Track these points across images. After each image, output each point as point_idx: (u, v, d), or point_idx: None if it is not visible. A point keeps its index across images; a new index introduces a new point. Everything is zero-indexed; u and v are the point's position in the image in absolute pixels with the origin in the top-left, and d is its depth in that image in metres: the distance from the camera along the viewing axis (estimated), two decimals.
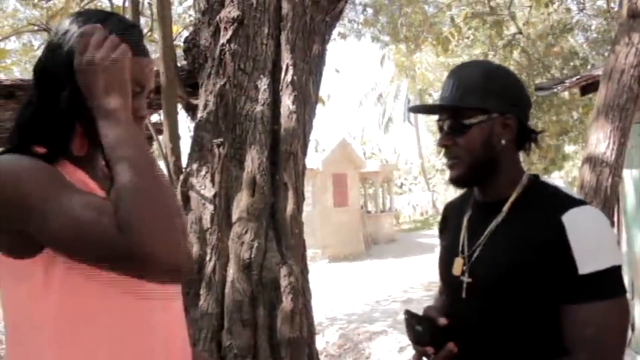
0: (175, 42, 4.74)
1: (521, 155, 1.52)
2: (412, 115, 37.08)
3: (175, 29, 5.46)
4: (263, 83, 3.63)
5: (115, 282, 1.05)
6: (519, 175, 1.44)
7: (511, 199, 1.42)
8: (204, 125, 3.64)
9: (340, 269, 14.80)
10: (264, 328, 3.32)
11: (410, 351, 1.53)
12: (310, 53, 3.78)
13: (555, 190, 1.41)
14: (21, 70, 11.09)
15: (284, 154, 3.55)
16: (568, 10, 11.49)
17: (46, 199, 0.99)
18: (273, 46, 3.70)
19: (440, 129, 1.47)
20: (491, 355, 1.40)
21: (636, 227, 4.97)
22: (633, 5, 3.59)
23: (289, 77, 3.64)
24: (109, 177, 1.07)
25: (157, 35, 4.05)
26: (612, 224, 4.34)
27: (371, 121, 39.69)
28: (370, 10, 11.76)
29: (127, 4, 4.24)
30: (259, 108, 3.59)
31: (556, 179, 21.23)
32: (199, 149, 3.64)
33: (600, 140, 3.50)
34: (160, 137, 3.95)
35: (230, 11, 3.69)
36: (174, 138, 3.90)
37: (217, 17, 3.75)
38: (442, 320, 1.44)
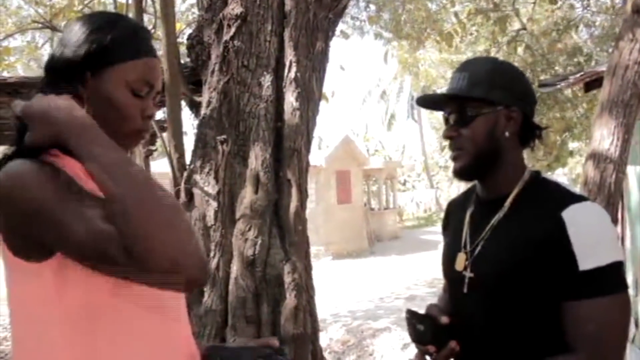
0: (178, 40, 4.75)
1: (526, 152, 1.52)
2: (415, 112, 37.02)
3: (178, 26, 5.47)
4: (266, 80, 3.63)
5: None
6: (521, 172, 1.45)
7: (512, 195, 1.42)
8: (208, 122, 3.65)
9: (344, 266, 14.82)
10: (268, 324, 3.33)
11: (413, 349, 1.53)
12: (314, 50, 3.78)
13: (556, 187, 1.42)
14: (25, 68, 11.11)
15: (288, 150, 3.56)
16: (572, 6, 11.45)
17: (60, 210, 0.99)
18: (276, 43, 3.70)
19: (446, 121, 1.48)
20: (493, 352, 1.41)
21: None
22: (637, 1, 3.58)
23: (292, 74, 3.64)
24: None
25: (160, 32, 4.05)
26: (616, 221, 4.33)
27: (374, 118, 39.63)
28: (373, 7, 11.75)
29: (130, 1, 4.24)
30: (262, 105, 3.60)
31: (560, 175, 21.21)
32: (203, 145, 3.65)
33: (604, 136, 3.49)
34: (164, 134, 3.96)
35: (233, 8, 3.69)
36: (178, 135, 3.91)
37: (221, 14, 3.75)
38: (444, 319, 1.44)
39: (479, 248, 1.44)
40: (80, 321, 1.07)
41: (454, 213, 1.66)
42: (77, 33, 1.15)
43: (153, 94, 1.20)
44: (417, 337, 1.47)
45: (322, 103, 4.07)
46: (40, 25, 6.96)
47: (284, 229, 3.49)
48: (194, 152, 3.72)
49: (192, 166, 3.69)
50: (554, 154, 12.74)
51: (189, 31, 5.11)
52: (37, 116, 1.05)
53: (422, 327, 1.44)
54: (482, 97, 1.41)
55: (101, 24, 1.15)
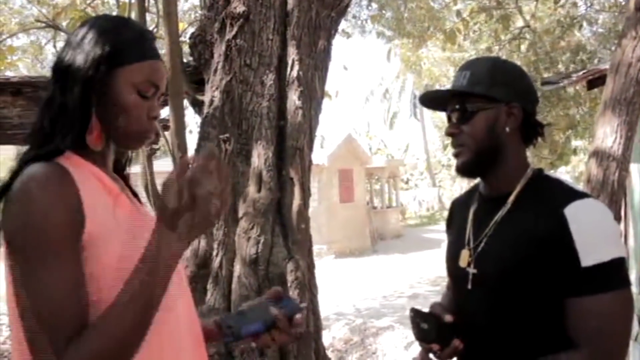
0: (181, 39, 4.75)
1: (531, 150, 1.53)
2: (418, 110, 37.01)
3: (181, 25, 5.48)
4: (269, 78, 3.64)
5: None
6: (524, 169, 1.46)
7: (515, 192, 1.43)
8: (210, 120, 3.65)
9: (347, 265, 14.82)
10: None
11: (417, 348, 1.54)
12: (316, 48, 3.78)
13: (558, 184, 1.43)
14: (28, 68, 11.13)
15: (290, 149, 3.56)
16: (575, 4, 11.43)
17: (42, 260, 1.04)
18: (279, 42, 3.70)
19: (449, 119, 1.50)
20: (497, 348, 1.41)
21: None
22: None
23: (294, 73, 3.64)
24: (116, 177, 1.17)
25: (163, 31, 4.05)
26: (619, 218, 4.33)
27: (377, 117, 39.61)
28: (374, 5, 11.74)
29: (133, 0, 4.25)
30: (264, 103, 3.60)
31: (562, 173, 21.16)
32: (206, 144, 3.65)
33: (607, 134, 3.48)
34: (167, 133, 3.96)
35: (236, 7, 3.69)
36: (181, 134, 3.91)
37: (223, 13, 3.75)
38: (448, 317, 1.45)
39: (482, 245, 1.45)
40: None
41: (457, 211, 1.67)
42: (86, 37, 1.18)
43: (158, 95, 1.23)
44: (421, 336, 1.48)
45: (325, 101, 4.07)
46: (43, 24, 6.97)
47: (287, 228, 3.50)
48: (197, 150, 3.73)
49: None
50: (559, 152, 12.72)
51: (191, 30, 5.12)
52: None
53: (426, 326, 1.45)
54: (482, 93, 1.43)
55: (109, 28, 1.19)
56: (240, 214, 3.48)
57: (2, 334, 7.32)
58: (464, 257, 1.48)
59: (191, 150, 3.90)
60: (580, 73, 5.82)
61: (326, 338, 6.01)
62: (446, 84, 15.10)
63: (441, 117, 21.55)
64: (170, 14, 3.95)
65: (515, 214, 1.41)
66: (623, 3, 9.47)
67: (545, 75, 10.48)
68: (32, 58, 10.37)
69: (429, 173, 35.98)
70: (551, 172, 1.57)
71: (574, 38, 11.98)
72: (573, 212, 1.30)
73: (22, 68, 11.16)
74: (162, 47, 4.19)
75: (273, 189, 3.48)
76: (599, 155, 3.51)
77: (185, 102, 4.42)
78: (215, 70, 3.73)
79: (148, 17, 5.29)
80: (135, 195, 1.32)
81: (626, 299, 1.31)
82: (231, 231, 3.47)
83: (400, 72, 32.94)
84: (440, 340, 1.43)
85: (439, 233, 19.75)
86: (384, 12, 11.75)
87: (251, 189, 3.48)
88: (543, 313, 1.35)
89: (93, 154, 1.18)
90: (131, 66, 1.18)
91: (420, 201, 32.15)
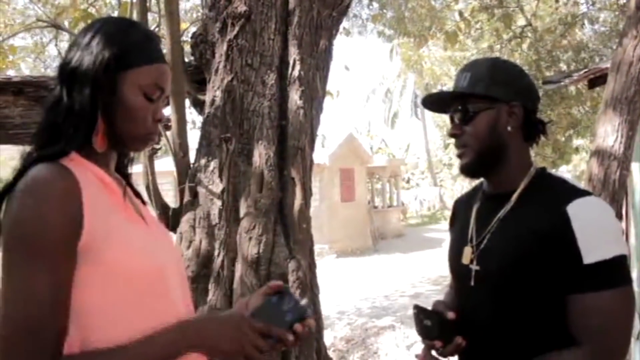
0: (182, 38, 4.76)
1: (534, 149, 1.54)
2: (419, 110, 36.99)
3: (183, 25, 5.48)
4: (270, 78, 3.64)
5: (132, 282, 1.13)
6: (527, 167, 1.48)
7: (519, 190, 1.44)
8: (212, 120, 3.65)
9: (348, 264, 14.82)
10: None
11: (418, 347, 1.55)
12: (317, 48, 3.78)
13: (561, 182, 1.44)
14: (30, 68, 11.14)
15: (292, 149, 3.56)
16: (576, 3, 11.42)
17: (31, 261, 1.05)
18: (280, 41, 3.71)
19: (452, 120, 1.51)
20: (499, 344, 1.42)
21: None
22: None
23: (296, 72, 3.64)
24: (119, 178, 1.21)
25: (164, 31, 4.06)
26: (620, 217, 4.33)
27: (378, 116, 39.58)
28: (375, 5, 11.74)
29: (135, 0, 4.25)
30: (266, 103, 3.60)
31: (564, 172, 21.15)
32: (207, 144, 3.66)
33: (609, 133, 3.48)
34: (168, 133, 3.96)
35: (237, 7, 3.70)
36: (182, 133, 3.92)
37: (225, 13, 3.75)
38: (451, 314, 1.46)
39: (485, 242, 1.46)
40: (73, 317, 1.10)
41: (460, 210, 1.68)
42: (94, 39, 1.19)
43: (163, 98, 1.25)
44: (424, 333, 1.49)
45: (326, 100, 4.07)
46: (44, 24, 6.98)
47: (288, 227, 3.50)
48: (198, 150, 3.73)
49: (196, 165, 3.69)
50: (561, 150, 12.72)
51: (193, 30, 5.12)
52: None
53: (429, 323, 1.46)
54: (483, 93, 1.44)
55: (117, 30, 1.20)
56: (242, 213, 3.48)
57: None
58: (467, 254, 1.49)
59: (193, 150, 3.90)
60: (582, 72, 5.82)
61: (328, 337, 6.01)
62: (447, 83, 15.10)
63: (442, 116, 21.55)
64: (171, 14, 3.95)
65: (518, 211, 1.43)
66: (624, 2, 9.46)
67: (547, 74, 10.47)
68: (35, 57, 10.38)
69: (430, 172, 35.96)
70: (554, 171, 1.58)
71: (576, 37, 11.96)
72: (575, 210, 1.32)
73: (24, 68, 11.18)
74: (164, 47, 4.18)
75: (274, 189, 3.49)
76: (600, 154, 3.51)
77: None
78: (217, 70, 3.73)
79: (150, 16, 5.29)
80: (137, 195, 1.33)
81: (628, 296, 1.32)
82: (233, 231, 3.47)
83: (401, 71, 32.90)
84: (443, 337, 1.45)
85: (440, 232, 19.76)
86: (384, 11, 11.75)
87: (252, 188, 3.48)
88: (545, 310, 1.36)
89: (96, 155, 1.19)
90: (138, 69, 1.19)
91: (421, 200, 32.12)
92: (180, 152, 3.88)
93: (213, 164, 3.59)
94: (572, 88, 10.07)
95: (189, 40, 4.30)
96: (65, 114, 1.16)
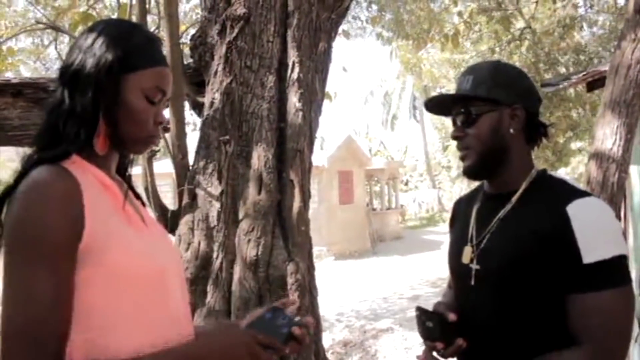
0: (181, 40, 4.76)
1: (534, 152, 1.55)
2: (418, 112, 37.01)
3: (182, 27, 5.48)
4: (269, 80, 3.64)
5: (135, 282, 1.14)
6: (529, 169, 1.49)
7: (520, 191, 1.46)
8: (211, 122, 3.65)
9: (346, 267, 14.81)
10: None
11: (417, 349, 1.56)
12: (316, 50, 3.79)
13: (561, 183, 1.45)
14: (31, 70, 11.14)
15: (291, 151, 3.56)
16: (575, 5, 11.44)
17: (31, 263, 1.05)
18: (279, 44, 3.71)
19: (454, 123, 1.52)
20: (499, 344, 1.42)
21: None
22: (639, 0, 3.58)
23: (295, 75, 3.65)
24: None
25: (163, 33, 4.06)
26: (619, 220, 4.33)
27: (377, 118, 39.60)
28: (375, 7, 11.75)
29: (134, 1, 4.25)
30: (265, 106, 3.60)
31: (563, 175, 21.15)
32: (206, 146, 3.66)
33: (607, 136, 3.49)
34: (167, 135, 3.96)
35: (236, 9, 3.70)
36: (181, 135, 3.91)
37: (224, 15, 3.75)
38: (452, 316, 1.47)
39: (485, 241, 1.48)
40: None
41: (460, 210, 1.70)
42: (97, 41, 1.19)
43: (164, 101, 1.25)
44: (426, 334, 1.50)
45: (325, 103, 4.07)
46: (43, 26, 6.97)
47: (287, 230, 3.50)
48: (197, 152, 3.73)
49: (195, 167, 3.69)
50: (561, 152, 12.74)
51: (192, 32, 5.12)
52: None
53: (430, 324, 1.47)
54: (485, 96, 1.45)
55: (119, 33, 1.21)
56: (241, 215, 3.48)
57: None
58: (467, 254, 1.50)
59: (191, 153, 3.90)
60: (580, 75, 5.83)
61: (326, 340, 6.01)
62: (446, 86, 15.12)
63: (441, 118, 21.57)
64: (171, 16, 3.95)
65: (519, 211, 1.44)
66: (622, 5, 9.48)
67: (546, 76, 10.49)
68: (35, 60, 10.39)
69: (428, 175, 35.97)
70: (554, 173, 1.59)
71: (574, 39, 11.99)
72: (575, 210, 1.33)
73: (24, 71, 11.18)
74: (163, 49, 4.18)
75: (273, 191, 3.49)
76: (598, 157, 3.52)
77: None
78: (216, 72, 3.73)
79: (149, 18, 5.29)
80: (137, 196, 1.33)
81: (628, 296, 1.33)
82: (231, 233, 3.47)
83: (400, 73, 32.93)
84: (444, 338, 1.46)
85: (439, 235, 19.76)
86: (383, 13, 11.76)
87: (251, 191, 3.48)
88: (545, 310, 1.37)
89: (97, 158, 1.19)
90: (141, 72, 1.19)
91: (419, 203, 32.13)
92: (179, 154, 3.87)
93: (212, 166, 3.59)
94: (571, 90, 10.08)
95: (188, 42, 4.29)
96: (66, 116, 1.16)
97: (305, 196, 3.60)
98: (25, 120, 3.47)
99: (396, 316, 8.20)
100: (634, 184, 4.96)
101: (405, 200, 30.33)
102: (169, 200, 6.00)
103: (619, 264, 1.32)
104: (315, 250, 4.52)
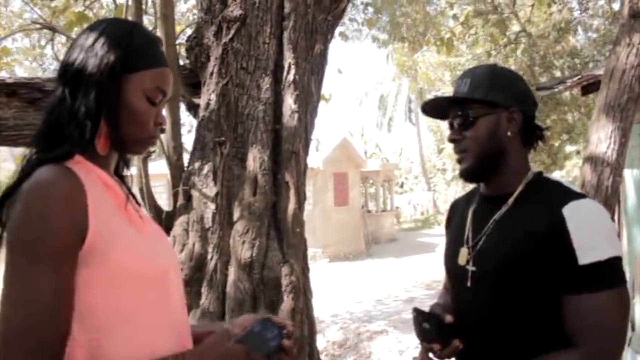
0: (177, 41, 4.75)
1: (530, 155, 1.57)
2: (413, 114, 37.06)
3: (178, 28, 5.47)
4: (265, 82, 3.64)
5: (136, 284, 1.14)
6: (525, 172, 1.50)
7: (516, 193, 1.47)
8: (206, 124, 3.65)
9: (341, 268, 14.81)
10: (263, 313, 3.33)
11: (411, 352, 1.57)
12: (313, 52, 3.79)
13: (557, 185, 1.46)
14: (29, 70, 11.10)
15: (286, 153, 3.56)
16: (570, 10, 11.49)
17: (33, 263, 1.04)
18: (275, 45, 3.71)
19: (451, 126, 1.53)
20: (496, 345, 1.43)
21: (637, 227, 4.97)
22: (634, 5, 3.60)
23: (291, 77, 3.65)
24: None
25: (159, 33, 4.05)
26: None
27: (372, 120, 39.68)
28: (371, 9, 11.77)
29: (130, 2, 4.24)
30: (260, 107, 3.60)
31: (558, 178, 21.20)
32: (201, 147, 3.65)
33: (602, 139, 3.51)
34: (163, 136, 3.96)
35: (232, 10, 3.70)
36: (176, 136, 3.91)
37: (220, 16, 3.75)
38: (449, 317, 1.49)
39: (481, 243, 1.48)
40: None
41: (457, 211, 1.71)
42: (98, 41, 1.19)
43: (165, 101, 1.25)
44: (423, 335, 1.51)
45: (321, 104, 4.07)
46: (39, 26, 6.95)
47: (282, 231, 3.49)
48: (192, 153, 3.73)
49: (190, 168, 3.69)
50: (558, 155, 12.78)
51: (188, 32, 5.11)
52: None
53: (427, 326, 1.48)
54: (482, 99, 1.46)
55: (121, 33, 1.20)
56: (236, 217, 3.47)
57: None
58: (463, 255, 1.51)
59: (187, 154, 3.89)
60: (575, 78, 5.85)
61: (320, 342, 6.01)
62: (442, 88, 15.14)
63: (436, 121, 21.59)
64: (167, 17, 3.95)
65: (515, 213, 1.45)
66: (617, 9, 9.52)
67: (541, 79, 10.52)
68: (32, 61, 10.36)
69: (424, 177, 36.02)
70: (550, 175, 1.60)
71: (570, 43, 12.03)
72: (571, 212, 1.34)
73: (21, 71, 11.15)
74: None
75: (268, 193, 3.48)
76: (593, 160, 3.53)
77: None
78: (212, 74, 3.73)
79: (145, 19, 5.28)
80: (133, 197, 1.33)
81: (623, 297, 1.34)
82: (226, 234, 3.47)
83: (396, 75, 32.98)
84: (441, 339, 1.46)
85: (434, 237, 19.78)
86: (379, 15, 11.78)
87: (246, 192, 3.48)
88: (541, 311, 1.37)
89: (99, 158, 1.19)
90: (142, 72, 1.19)
91: (414, 205, 32.17)
92: (174, 155, 3.87)
93: (207, 168, 3.59)
94: (567, 94, 10.12)
95: (184, 43, 4.29)
96: (69, 116, 1.15)
97: (301, 198, 3.60)
98: (19, 120, 3.45)
99: (391, 318, 8.21)
100: (628, 187, 4.98)
101: (401, 202, 30.37)
102: (164, 201, 5.99)
103: (614, 265, 1.33)
104: (310, 252, 4.52)
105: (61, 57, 1.29)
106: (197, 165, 3.63)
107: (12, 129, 3.48)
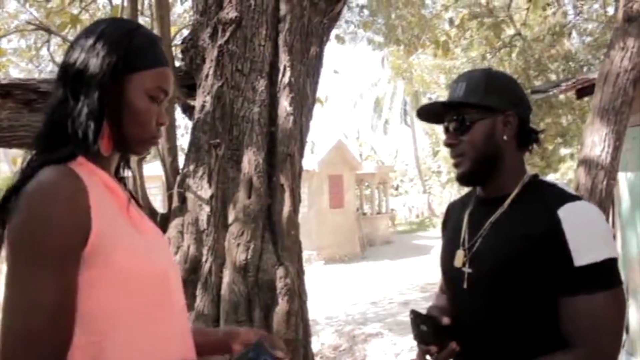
0: (173, 43, 4.74)
1: (525, 158, 1.57)
2: (408, 117, 37.11)
3: (173, 29, 5.47)
4: (260, 84, 3.64)
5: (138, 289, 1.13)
6: (521, 174, 1.51)
7: (512, 195, 1.47)
8: (201, 126, 3.64)
9: (336, 271, 14.80)
10: (260, 329, 3.32)
11: (405, 354, 1.57)
12: (308, 55, 3.79)
13: (552, 187, 1.47)
14: (26, 71, 11.06)
15: (281, 155, 3.56)
16: (564, 13, 11.53)
17: (35, 264, 1.03)
18: (271, 48, 3.71)
19: (447, 130, 1.53)
20: (492, 347, 1.43)
21: (631, 230, 4.99)
22: (628, 9, 3.61)
23: (286, 79, 3.64)
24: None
25: None
26: None
27: (367, 123, 39.72)
28: (366, 12, 11.78)
29: (125, 3, 4.24)
30: (256, 109, 3.60)
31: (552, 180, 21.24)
32: (196, 149, 3.65)
33: (596, 143, 3.52)
34: None
35: (228, 12, 3.70)
36: (171, 139, 3.90)
37: (215, 18, 3.75)
38: (446, 320, 1.49)
39: (477, 245, 1.49)
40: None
41: (453, 213, 1.71)
42: (99, 41, 1.18)
43: (166, 101, 1.25)
44: (420, 337, 1.51)
45: (316, 107, 4.07)
46: (34, 26, 6.93)
47: (277, 234, 3.49)
48: (187, 156, 3.72)
49: (185, 170, 3.68)
50: (552, 159, 12.82)
51: (184, 34, 5.11)
52: None
53: (424, 328, 1.48)
54: (478, 103, 1.46)
55: (122, 34, 1.20)
56: (231, 219, 3.47)
57: None
58: (459, 257, 1.52)
59: (182, 156, 3.89)
60: (570, 82, 5.87)
61: (315, 344, 6.00)
62: (437, 91, 15.17)
63: (431, 124, 21.62)
64: (162, 18, 3.94)
65: (511, 215, 1.45)
66: (611, 13, 9.57)
67: (536, 83, 10.56)
68: (28, 62, 10.32)
69: (419, 179, 36.07)
70: (545, 178, 1.61)
71: (564, 47, 12.07)
72: (566, 214, 1.34)
73: (17, 72, 11.10)
74: None
75: (263, 195, 3.48)
76: (587, 163, 3.54)
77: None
78: (207, 76, 3.72)
79: (141, 20, 5.28)
80: (134, 198, 1.32)
81: (619, 298, 1.34)
82: (221, 237, 3.46)
83: (391, 78, 33.02)
84: (438, 341, 1.47)
85: (429, 239, 19.81)
86: (375, 18, 11.79)
87: (241, 195, 3.47)
88: (538, 312, 1.38)
89: (101, 159, 1.19)
90: (144, 72, 1.19)
91: (410, 207, 32.23)
92: (169, 157, 3.86)
93: (202, 170, 3.58)
94: (561, 97, 10.16)
95: (179, 44, 4.28)
96: (71, 117, 1.15)
97: (296, 200, 3.59)
98: (14, 121, 3.44)
99: (386, 321, 8.20)
100: (622, 190, 4.99)
101: (396, 204, 30.41)
102: (159, 203, 5.98)
103: (610, 266, 1.34)
104: (305, 254, 4.51)
105: (57, 59, 1.28)
106: (192, 167, 3.63)
107: (7, 130, 3.46)
